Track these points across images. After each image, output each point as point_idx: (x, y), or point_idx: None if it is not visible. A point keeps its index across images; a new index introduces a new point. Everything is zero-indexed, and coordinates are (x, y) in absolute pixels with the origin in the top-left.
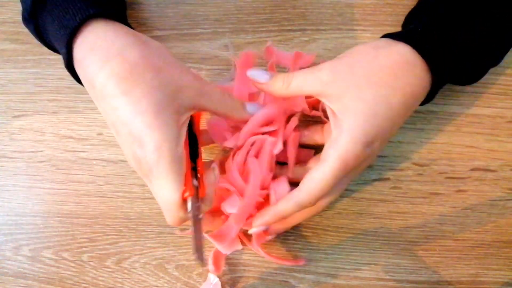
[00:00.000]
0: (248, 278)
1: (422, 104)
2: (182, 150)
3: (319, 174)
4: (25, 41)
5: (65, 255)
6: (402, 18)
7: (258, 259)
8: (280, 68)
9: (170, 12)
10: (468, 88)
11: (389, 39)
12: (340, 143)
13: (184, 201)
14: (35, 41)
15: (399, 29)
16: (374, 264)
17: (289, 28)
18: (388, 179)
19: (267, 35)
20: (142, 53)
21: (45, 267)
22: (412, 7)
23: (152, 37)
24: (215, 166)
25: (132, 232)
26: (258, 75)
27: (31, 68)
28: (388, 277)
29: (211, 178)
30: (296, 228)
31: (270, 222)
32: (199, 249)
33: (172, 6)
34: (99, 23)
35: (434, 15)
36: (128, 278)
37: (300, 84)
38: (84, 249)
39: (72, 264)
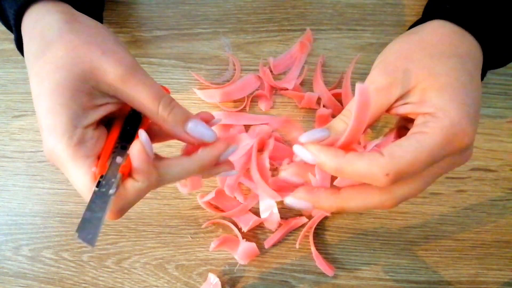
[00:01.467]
0: (248, 278)
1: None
2: (89, 130)
3: (414, 143)
4: None
5: (65, 255)
6: (402, 18)
7: (258, 259)
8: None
9: (170, 12)
10: None
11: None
12: (445, 117)
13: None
14: None
15: (399, 29)
16: (374, 264)
17: (289, 28)
18: None
19: (267, 35)
20: (61, 31)
21: (45, 267)
22: (412, 7)
23: (152, 37)
24: (142, 133)
25: (132, 232)
26: (317, 133)
27: None
28: (388, 277)
29: (134, 149)
30: (296, 228)
31: (327, 165)
32: (93, 225)
33: (172, 6)
34: (41, 2)
35: None
36: (128, 278)
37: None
38: (84, 249)
39: (72, 264)
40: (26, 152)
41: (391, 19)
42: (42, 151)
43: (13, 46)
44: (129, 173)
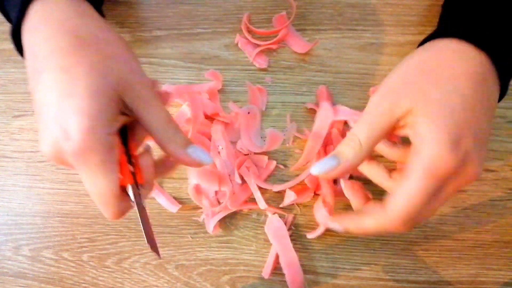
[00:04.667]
0: (248, 278)
1: (502, 95)
2: (115, 138)
3: (405, 192)
4: None
5: (65, 255)
6: (402, 18)
7: (258, 259)
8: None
9: (170, 12)
10: None
11: (426, 43)
12: (424, 152)
13: (123, 190)
14: None
15: (399, 29)
16: (374, 264)
17: None
18: None
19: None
20: (96, 37)
21: (45, 267)
22: (412, 7)
23: (152, 37)
24: (148, 146)
25: (132, 232)
26: (327, 163)
27: None
28: (388, 277)
29: (147, 161)
30: (295, 227)
31: (349, 229)
32: (151, 238)
33: (172, 6)
34: None
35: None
36: (128, 278)
37: (370, 132)
38: (84, 249)
39: (72, 264)
40: (26, 152)
41: (391, 19)
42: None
43: (13, 46)
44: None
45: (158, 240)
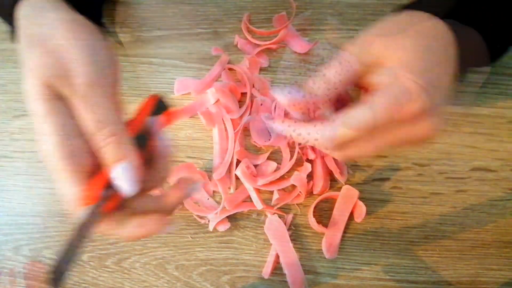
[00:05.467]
0: (248, 278)
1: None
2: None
3: (361, 108)
4: None
5: None
6: None
7: (257, 259)
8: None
9: (170, 12)
10: (468, 88)
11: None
12: (394, 83)
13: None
14: None
15: None
16: (374, 264)
17: None
18: (388, 179)
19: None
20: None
21: (45, 267)
22: None
23: (152, 37)
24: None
25: None
26: (292, 93)
27: None
28: (388, 277)
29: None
30: (295, 227)
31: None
32: (63, 267)
33: (172, 6)
34: None
35: None
36: (128, 278)
37: (339, 71)
38: (84, 249)
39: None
40: (26, 152)
41: None
42: None
43: (13, 46)
44: (109, 210)
45: (161, 240)
